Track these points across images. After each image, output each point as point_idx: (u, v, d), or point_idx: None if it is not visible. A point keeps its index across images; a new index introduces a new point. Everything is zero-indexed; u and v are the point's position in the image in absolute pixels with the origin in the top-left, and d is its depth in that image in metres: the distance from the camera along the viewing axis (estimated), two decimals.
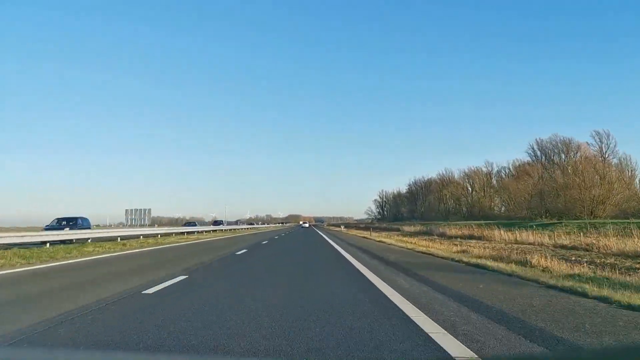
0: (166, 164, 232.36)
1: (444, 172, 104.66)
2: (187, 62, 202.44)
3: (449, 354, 3.74)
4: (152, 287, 7.74)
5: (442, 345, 4.00)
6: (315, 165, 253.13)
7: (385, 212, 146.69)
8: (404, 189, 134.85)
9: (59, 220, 29.41)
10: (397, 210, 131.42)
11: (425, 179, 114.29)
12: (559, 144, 67.14)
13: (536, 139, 71.64)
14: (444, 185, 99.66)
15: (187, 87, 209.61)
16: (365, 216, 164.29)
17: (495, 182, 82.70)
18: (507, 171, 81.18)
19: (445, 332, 4.46)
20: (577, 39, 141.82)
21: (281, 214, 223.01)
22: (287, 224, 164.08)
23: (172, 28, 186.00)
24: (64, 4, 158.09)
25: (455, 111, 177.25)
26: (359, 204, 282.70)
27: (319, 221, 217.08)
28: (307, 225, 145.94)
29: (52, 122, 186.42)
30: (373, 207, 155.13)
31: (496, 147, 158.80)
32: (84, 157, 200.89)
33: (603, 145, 60.05)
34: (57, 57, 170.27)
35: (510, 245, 23.81)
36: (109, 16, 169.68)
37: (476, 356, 3.67)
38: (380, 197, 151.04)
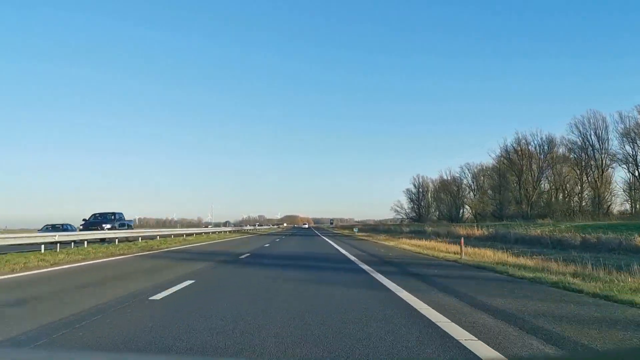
0: (155, 163, 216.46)
1: (586, 124, 57.33)
2: (185, 61, 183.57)
3: None
4: None
5: None
6: (314, 165, 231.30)
7: (421, 210, 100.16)
8: (456, 170, 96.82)
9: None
10: (449, 206, 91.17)
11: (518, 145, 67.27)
12: None
13: None
14: (578, 161, 56.68)
15: (184, 86, 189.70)
16: (391, 215, 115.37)
17: None
18: None
19: None
20: None
21: (278, 215, 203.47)
22: (271, 226, 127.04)
23: (171, 27, 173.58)
24: (63, 3, 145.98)
25: (452, 109, 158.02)
26: (360, 204, 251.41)
27: (318, 222, 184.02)
28: (306, 226, 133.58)
29: (44, 121, 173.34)
30: (404, 201, 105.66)
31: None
32: (72, 157, 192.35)
33: None
34: (54, 56, 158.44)
35: None
36: (108, 15, 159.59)
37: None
38: (415, 185, 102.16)
